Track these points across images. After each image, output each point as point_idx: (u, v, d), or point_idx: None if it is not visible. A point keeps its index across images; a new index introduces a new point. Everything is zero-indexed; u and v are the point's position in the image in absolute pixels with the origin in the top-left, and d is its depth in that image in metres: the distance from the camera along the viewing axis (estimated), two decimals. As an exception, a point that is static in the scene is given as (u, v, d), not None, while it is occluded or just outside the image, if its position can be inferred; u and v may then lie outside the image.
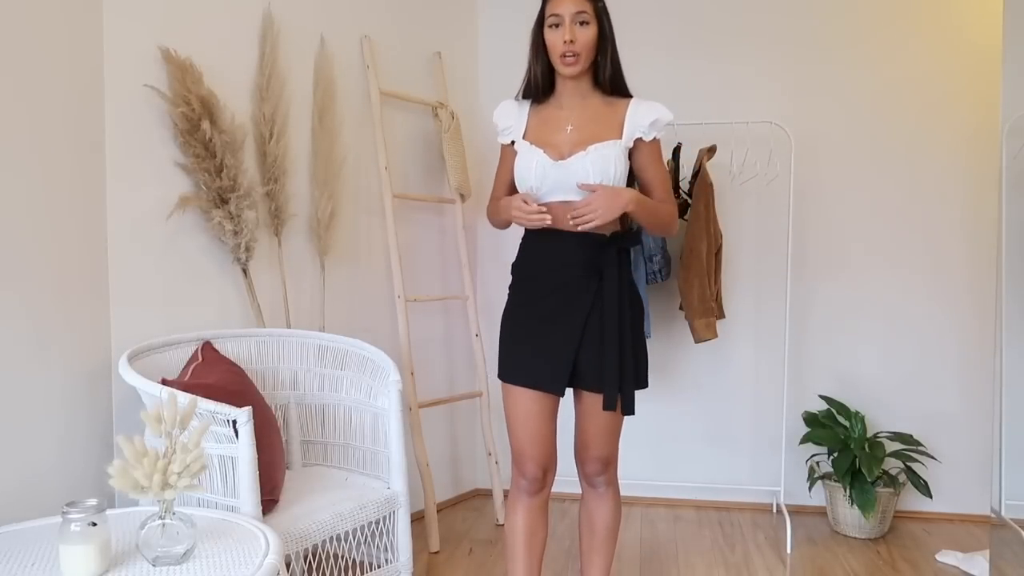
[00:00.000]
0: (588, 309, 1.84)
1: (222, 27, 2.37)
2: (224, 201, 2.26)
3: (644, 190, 1.95)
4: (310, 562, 2.18)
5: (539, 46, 1.89)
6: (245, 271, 2.39)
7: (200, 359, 2.09)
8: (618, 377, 1.83)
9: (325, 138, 2.65)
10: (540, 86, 1.92)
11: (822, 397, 3.17)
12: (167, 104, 2.17)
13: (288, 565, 2.07)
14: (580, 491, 2.03)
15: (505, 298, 1.98)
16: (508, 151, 1.98)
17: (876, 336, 3.19)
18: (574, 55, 1.82)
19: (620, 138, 1.86)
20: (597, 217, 1.77)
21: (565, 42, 1.81)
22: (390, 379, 2.13)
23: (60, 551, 1.34)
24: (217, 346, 2.20)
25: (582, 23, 1.82)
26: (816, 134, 3.18)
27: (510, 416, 1.91)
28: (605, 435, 1.91)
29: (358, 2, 2.88)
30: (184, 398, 1.49)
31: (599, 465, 1.94)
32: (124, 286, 2.11)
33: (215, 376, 2.01)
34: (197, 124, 2.18)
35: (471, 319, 3.16)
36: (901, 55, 3.13)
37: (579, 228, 1.79)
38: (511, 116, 1.96)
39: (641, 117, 1.87)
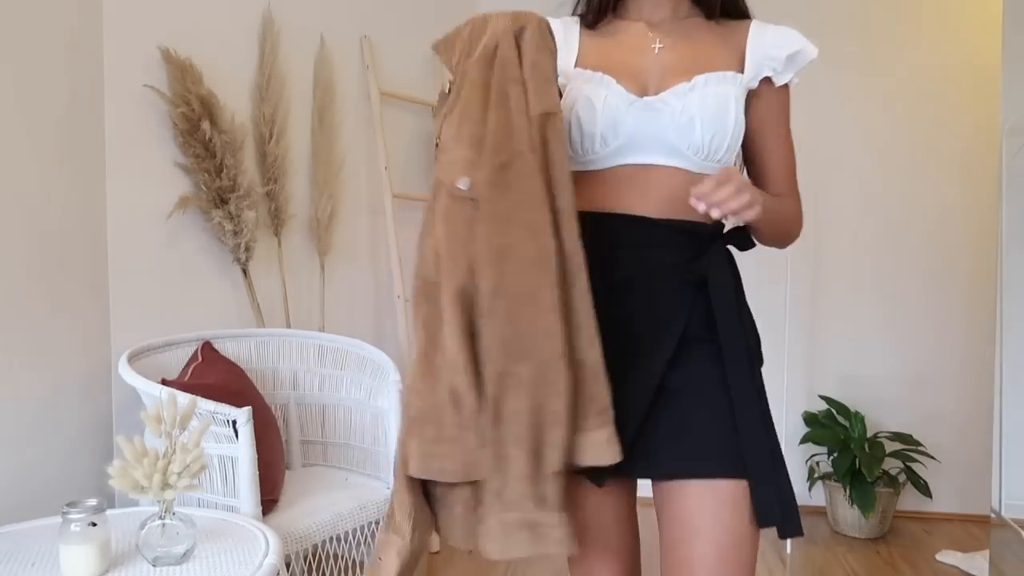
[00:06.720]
0: (679, 335, 1.10)
1: (222, 27, 2.37)
2: (224, 201, 2.26)
3: (757, 166, 1.24)
4: (310, 562, 2.18)
5: None
6: (245, 271, 2.39)
7: (200, 359, 2.09)
8: (771, 462, 1.06)
9: (325, 138, 2.65)
10: None
11: (822, 397, 3.17)
12: (167, 104, 2.17)
13: (288, 565, 2.07)
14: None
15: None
16: None
17: (876, 336, 3.18)
18: None
19: (740, 71, 1.15)
20: (750, 201, 1.01)
21: None
22: (390, 379, 2.12)
23: (60, 551, 1.34)
24: (217, 346, 2.20)
25: None
26: (816, 134, 3.18)
27: None
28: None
29: (358, 2, 2.88)
30: (184, 398, 1.49)
31: None
32: (124, 286, 2.11)
33: (215, 376, 2.01)
34: (197, 124, 2.18)
35: (471, 319, 3.15)
36: (901, 54, 3.13)
37: (716, 214, 1.02)
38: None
39: (772, 46, 1.18)
